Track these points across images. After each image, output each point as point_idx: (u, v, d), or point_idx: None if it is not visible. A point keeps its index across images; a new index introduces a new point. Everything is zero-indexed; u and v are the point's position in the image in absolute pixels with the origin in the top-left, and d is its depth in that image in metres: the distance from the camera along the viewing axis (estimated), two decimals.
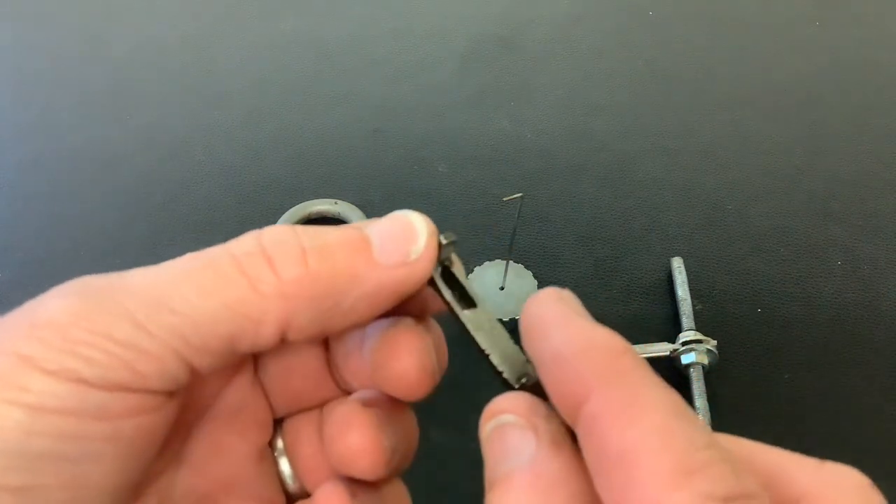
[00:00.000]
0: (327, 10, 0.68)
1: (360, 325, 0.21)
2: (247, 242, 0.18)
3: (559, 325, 0.17)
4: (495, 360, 0.20)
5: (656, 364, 0.45)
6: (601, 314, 0.46)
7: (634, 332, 0.45)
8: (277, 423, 0.23)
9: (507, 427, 0.18)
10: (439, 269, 0.20)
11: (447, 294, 0.20)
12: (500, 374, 0.20)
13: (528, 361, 0.19)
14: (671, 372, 0.44)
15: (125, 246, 0.50)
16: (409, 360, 0.20)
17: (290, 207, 0.51)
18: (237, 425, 0.22)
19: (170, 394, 0.18)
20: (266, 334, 0.18)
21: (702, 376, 0.42)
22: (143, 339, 0.17)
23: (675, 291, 0.47)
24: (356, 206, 0.50)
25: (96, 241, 0.51)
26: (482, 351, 0.20)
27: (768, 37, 0.67)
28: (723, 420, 0.40)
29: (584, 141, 0.57)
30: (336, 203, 0.50)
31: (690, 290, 0.46)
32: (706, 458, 0.14)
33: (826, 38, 0.67)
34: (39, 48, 0.65)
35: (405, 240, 0.20)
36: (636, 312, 0.46)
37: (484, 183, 0.54)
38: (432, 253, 0.20)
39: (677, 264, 0.48)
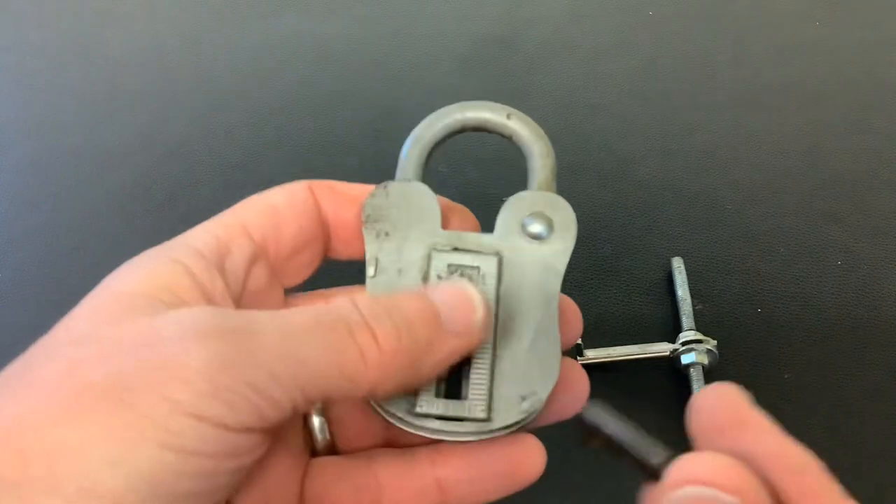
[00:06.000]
0: (327, 10, 0.68)
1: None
2: (348, 307, 0.21)
3: (771, 430, 0.20)
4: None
5: (656, 364, 0.45)
6: (601, 314, 0.46)
7: (634, 332, 0.45)
8: None
9: None
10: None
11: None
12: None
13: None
14: (671, 372, 0.44)
15: (125, 246, 0.50)
16: None
17: None
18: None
19: (274, 431, 0.21)
20: (357, 394, 0.21)
21: (702, 376, 0.42)
22: (275, 389, 0.19)
23: (675, 291, 0.47)
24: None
25: (96, 241, 0.51)
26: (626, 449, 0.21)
27: (768, 37, 0.67)
28: None
29: (584, 141, 0.57)
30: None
31: (690, 290, 0.46)
32: None
33: (826, 38, 0.67)
34: (39, 48, 0.65)
35: (467, 311, 0.23)
36: (636, 312, 0.46)
37: (484, 183, 0.54)
38: (490, 321, 0.24)
39: (677, 264, 0.48)
